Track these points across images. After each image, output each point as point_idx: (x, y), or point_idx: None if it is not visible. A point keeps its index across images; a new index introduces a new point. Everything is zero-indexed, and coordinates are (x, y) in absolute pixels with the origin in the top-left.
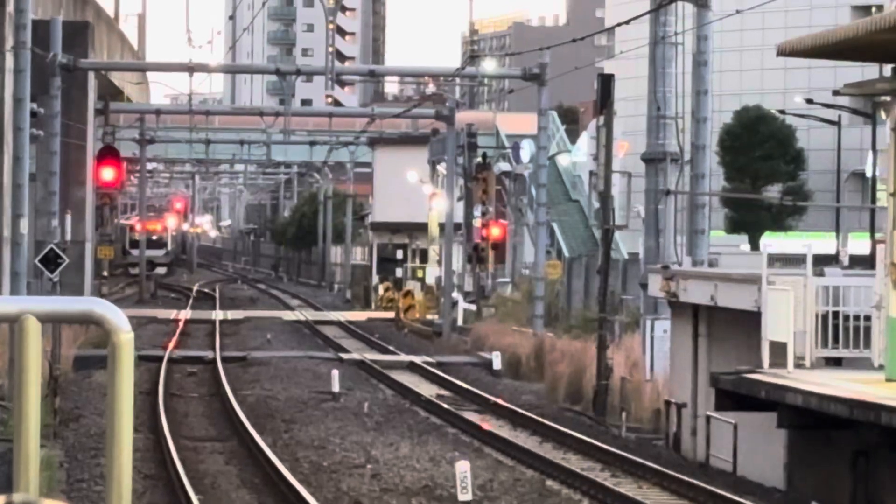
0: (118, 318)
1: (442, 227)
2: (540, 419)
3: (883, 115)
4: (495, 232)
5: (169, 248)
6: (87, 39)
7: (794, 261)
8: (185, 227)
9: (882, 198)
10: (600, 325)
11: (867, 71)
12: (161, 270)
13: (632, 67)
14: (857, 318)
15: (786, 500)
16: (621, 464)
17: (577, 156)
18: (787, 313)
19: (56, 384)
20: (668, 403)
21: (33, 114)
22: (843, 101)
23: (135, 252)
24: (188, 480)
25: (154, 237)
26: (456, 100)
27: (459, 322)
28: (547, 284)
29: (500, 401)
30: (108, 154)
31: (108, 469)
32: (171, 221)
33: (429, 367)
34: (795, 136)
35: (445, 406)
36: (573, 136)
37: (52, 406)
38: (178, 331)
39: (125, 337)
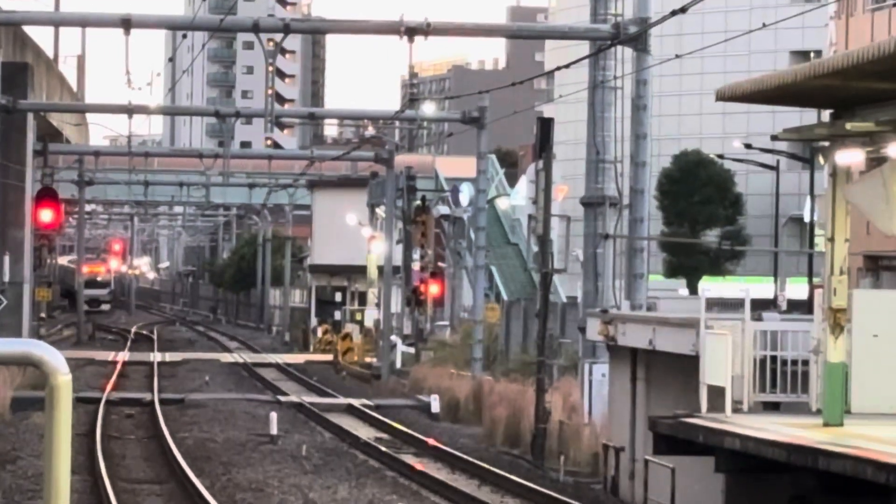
0: (56, 360)
1: (381, 269)
2: (478, 462)
3: (821, 160)
4: (434, 289)
5: (112, 286)
6: (27, 80)
7: (733, 305)
8: (124, 268)
9: (820, 243)
10: (539, 369)
11: (805, 116)
12: (105, 307)
13: (571, 111)
14: (794, 362)
15: None
16: None
17: (516, 199)
18: (725, 358)
19: None
20: (606, 447)
21: None
22: (782, 146)
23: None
24: None
25: (98, 278)
26: (395, 143)
27: (398, 365)
28: (485, 328)
29: (438, 444)
30: (46, 195)
31: None
32: (114, 263)
33: (367, 410)
34: (734, 180)
35: (384, 449)
36: (512, 179)
37: None
38: (116, 372)
39: (63, 379)
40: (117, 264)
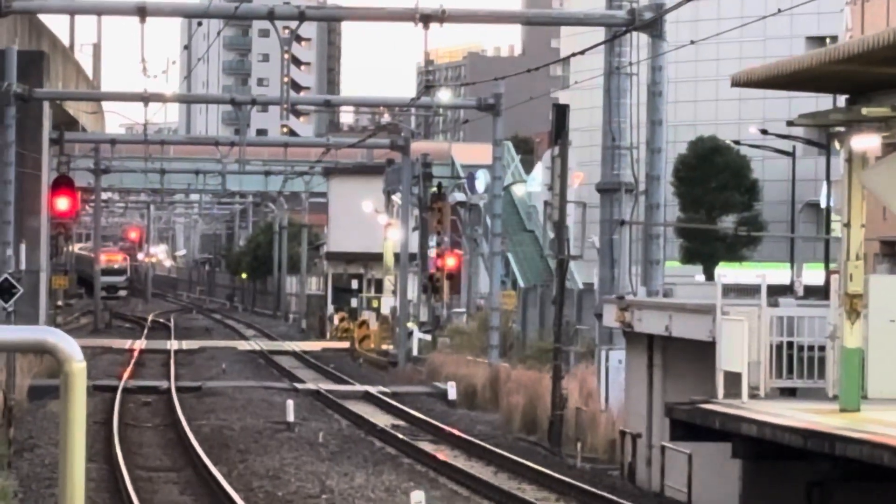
0: (71, 348)
1: (397, 257)
2: (495, 449)
3: (837, 145)
4: (450, 262)
5: (128, 273)
6: (43, 69)
7: (749, 291)
8: (140, 256)
9: (836, 228)
10: (555, 356)
11: (821, 101)
12: (122, 293)
13: (587, 98)
14: (811, 348)
15: None
16: (576, 494)
17: (532, 186)
18: (741, 343)
19: (10, 414)
20: (622, 433)
21: None
22: (798, 131)
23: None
24: None
25: (115, 265)
26: (411, 130)
27: (415, 352)
28: (502, 314)
29: (455, 431)
30: (62, 184)
31: (61, 496)
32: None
33: (384, 398)
34: (750, 166)
35: (400, 436)
36: (528, 166)
37: (6, 436)
38: (132, 360)
39: (78, 366)
40: (132, 253)
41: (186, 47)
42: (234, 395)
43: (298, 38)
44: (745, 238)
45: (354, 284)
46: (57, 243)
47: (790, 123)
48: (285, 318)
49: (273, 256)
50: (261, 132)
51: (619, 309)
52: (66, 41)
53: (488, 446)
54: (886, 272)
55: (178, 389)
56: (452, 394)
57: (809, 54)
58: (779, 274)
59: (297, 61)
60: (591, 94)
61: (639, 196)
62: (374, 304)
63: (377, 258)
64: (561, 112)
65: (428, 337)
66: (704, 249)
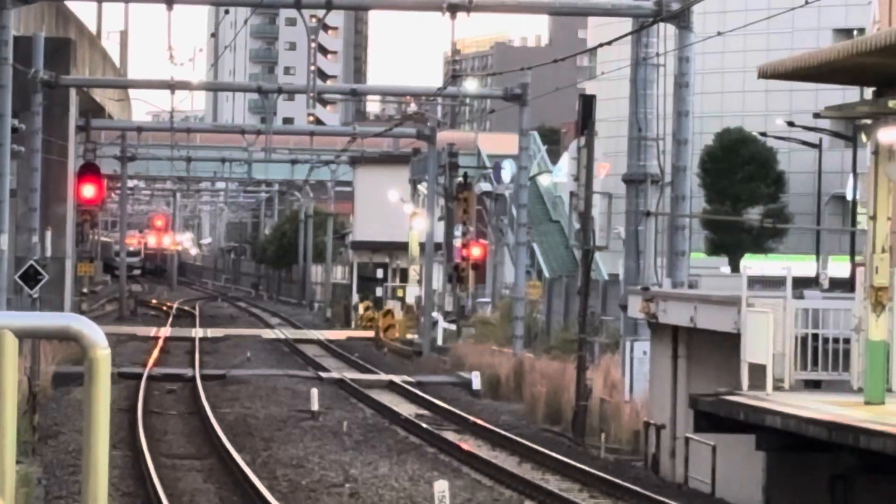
0: (95, 334)
1: (422, 246)
2: (519, 439)
3: (864, 138)
4: (476, 252)
5: (141, 255)
6: (69, 56)
7: (774, 283)
8: (167, 241)
9: (862, 221)
10: (580, 346)
11: (848, 94)
12: (136, 272)
13: (613, 88)
14: (836, 340)
15: None
16: (600, 485)
17: (558, 176)
18: (766, 335)
19: (35, 400)
20: (647, 425)
21: (14, 130)
22: (825, 123)
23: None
24: (166, 498)
25: (130, 248)
26: (437, 119)
27: (439, 342)
28: (527, 305)
29: (479, 421)
30: (88, 171)
31: (85, 483)
32: (149, 237)
33: (408, 387)
34: (776, 158)
35: (424, 425)
36: (554, 156)
37: (31, 422)
38: (157, 348)
39: (102, 353)
40: (146, 237)
41: (213, 35)
42: (258, 384)
43: (325, 27)
44: (770, 230)
45: (379, 273)
46: (83, 230)
47: (817, 115)
48: (310, 307)
49: (298, 245)
50: (287, 121)
51: (644, 300)
52: (93, 28)
53: (512, 436)
54: None
55: (203, 377)
56: (477, 384)
57: (836, 46)
58: (804, 266)
59: (323, 50)
60: (618, 85)
61: (664, 187)
62: (399, 293)
63: (402, 247)
64: (587, 102)
65: (453, 327)
66: (730, 241)
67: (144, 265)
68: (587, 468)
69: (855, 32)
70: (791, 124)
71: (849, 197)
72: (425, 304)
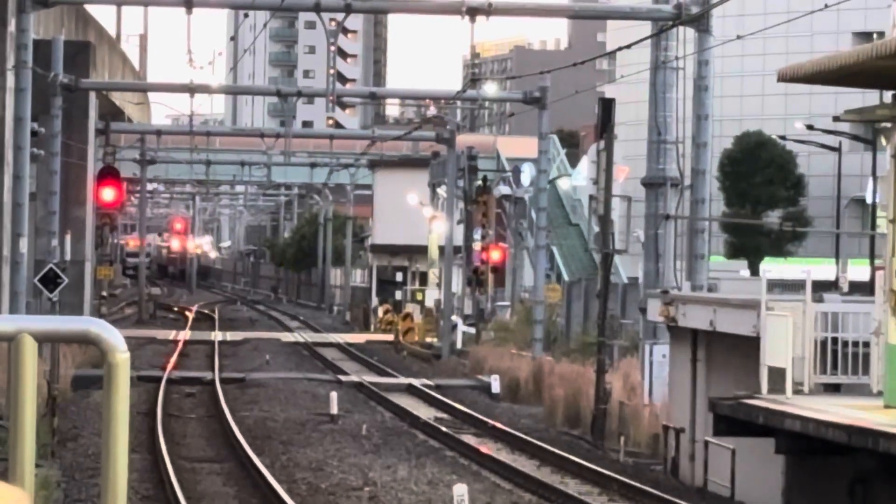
0: (114, 338)
1: (442, 249)
2: (538, 443)
3: (883, 141)
4: (495, 255)
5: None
6: (89, 59)
7: (794, 286)
8: (191, 246)
9: (882, 224)
10: (599, 350)
11: (868, 97)
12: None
13: (633, 92)
14: (855, 344)
15: None
16: (619, 488)
17: (578, 180)
18: (785, 339)
19: (54, 404)
20: (666, 428)
21: (34, 133)
22: (844, 127)
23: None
24: (185, 501)
25: (136, 249)
26: (457, 123)
27: (458, 345)
28: (546, 308)
29: (498, 424)
30: (108, 174)
31: (104, 487)
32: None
33: (427, 390)
34: (796, 161)
35: (444, 429)
36: (574, 159)
37: (50, 426)
38: (177, 351)
39: (121, 357)
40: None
41: (233, 39)
42: (277, 387)
43: (345, 31)
44: (790, 233)
45: (399, 277)
46: (102, 234)
47: (836, 119)
48: (329, 311)
49: (318, 248)
50: (306, 124)
51: (663, 303)
52: (112, 32)
53: (531, 440)
54: None
55: (222, 381)
56: (496, 387)
57: (856, 50)
58: (824, 270)
59: (343, 53)
60: (637, 89)
61: (684, 190)
62: (419, 296)
63: (422, 251)
64: (607, 106)
65: (472, 330)
66: (749, 244)
67: (168, 269)
68: (606, 471)
69: (874, 36)
70: (810, 127)
71: (868, 200)
72: (444, 307)
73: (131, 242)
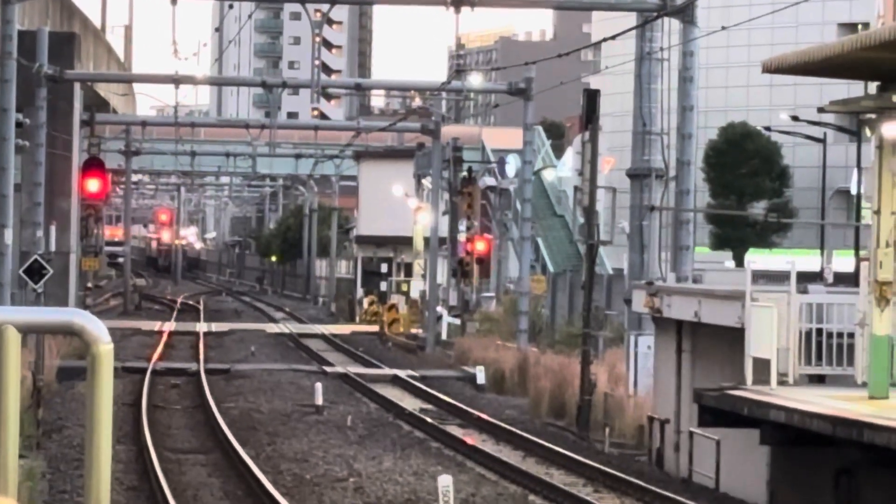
0: (98, 329)
1: (427, 241)
2: (523, 434)
3: (868, 132)
4: (480, 246)
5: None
6: (74, 50)
7: (779, 278)
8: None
9: (867, 215)
10: (584, 341)
11: (853, 88)
12: (121, 259)
13: (618, 83)
14: (840, 335)
15: None
16: (604, 479)
17: (563, 171)
18: (770, 330)
19: (39, 395)
20: (651, 419)
21: (18, 124)
22: (829, 118)
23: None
24: (170, 492)
25: (116, 239)
26: (441, 114)
27: (443, 336)
28: (531, 299)
29: (483, 415)
30: (93, 165)
31: (87, 477)
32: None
33: (412, 381)
34: (781, 153)
35: (429, 420)
36: (559, 151)
37: (35, 417)
38: (162, 342)
39: (105, 348)
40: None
41: (217, 30)
42: (262, 378)
43: (330, 21)
44: (775, 224)
45: (384, 268)
46: (87, 225)
47: (821, 110)
48: (314, 302)
49: (303, 239)
50: (291, 115)
51: (648, 294)
52: (97, 23)
53: (516, 431)
54: None
55: (207, 372)
56: (481, 378)
57: (841, 41)
58: (808, 261)
59: (328, 44)
60: (622, 80)
61: (669, 182)
62: (404, 287)
63: (407, 242)
64: (592, 97)
65: (457, 321)
66: (734, 235)
67: (157, 261)
68: (591, 462)
69: (859, 27)
70: (795, 119)
71: (853, 191)
72: (429, 298)
73: (108, 232)
